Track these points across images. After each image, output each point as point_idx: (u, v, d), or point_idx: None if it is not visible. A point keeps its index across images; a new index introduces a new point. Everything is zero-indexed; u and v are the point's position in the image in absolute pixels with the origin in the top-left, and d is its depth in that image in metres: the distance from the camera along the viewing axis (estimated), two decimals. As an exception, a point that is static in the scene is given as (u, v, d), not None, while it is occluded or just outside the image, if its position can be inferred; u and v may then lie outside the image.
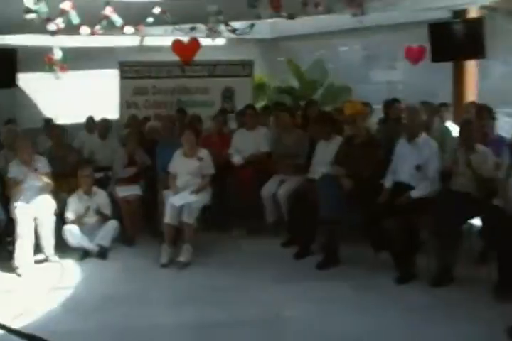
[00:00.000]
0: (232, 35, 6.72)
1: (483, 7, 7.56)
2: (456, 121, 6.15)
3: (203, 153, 5.52)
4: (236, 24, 6.50)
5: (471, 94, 7.56)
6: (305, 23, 7.99)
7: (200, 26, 6.45)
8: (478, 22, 7.36)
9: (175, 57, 7.43)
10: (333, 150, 5.20)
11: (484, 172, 4.42)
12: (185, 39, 7.23)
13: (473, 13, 7.69)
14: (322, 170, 5.17)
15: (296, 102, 8.83)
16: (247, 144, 6.11)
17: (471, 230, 4.66)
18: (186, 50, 7.33)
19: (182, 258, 5.02)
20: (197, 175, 5.46)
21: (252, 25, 6.55)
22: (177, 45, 7.29)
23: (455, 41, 7.36)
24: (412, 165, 4.64)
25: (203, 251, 5.23)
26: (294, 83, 9.57)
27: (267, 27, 9.35)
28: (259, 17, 5.85)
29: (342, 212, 4.72)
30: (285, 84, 9.58)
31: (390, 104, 5.89)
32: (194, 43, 7.25)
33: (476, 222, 4.58)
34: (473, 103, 6.31)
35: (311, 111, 6.52)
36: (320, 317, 3.87)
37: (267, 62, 10.06)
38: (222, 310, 4.03)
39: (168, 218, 5.16)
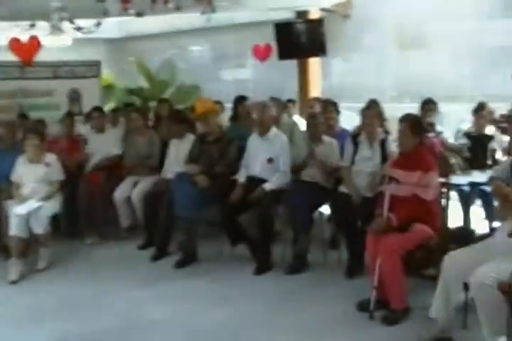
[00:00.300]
0: (79, 34, 6.46)
1: (323, 9, 8.12)
2: (302, 116, 6.51)
3: (50, 158, 5.25)
4: (82, 22, 6.27)
5: (315, 90, 8.05)
6: (154, 22, 7.98)
7: (42, 23, 6.11)
8: (318, 22, 7.87)
9: (13, 57, 6.98)
10: (186, 149, 5.23)
11: (332, 161, 4.77)
12: (24, 37, 6.81)
13: (314, 15, 8.21)
14: (176, 169, 5.18)
15: (145, 103, 8.76)
16: (97, 148, 5.94)
17: (322, 217, 4.94)
18: (26, 50, 6.90)
19: (40, 266, 4.88)
20: (44, 181, 5.18)
21: (99, 24, 6.36)
22: (15, 43, 6.83)
23: (299, 40, 7.81)
24: (264, 158, 4.82)
25: (56, 261, 5.00)
26: (144, 84, 9.48)
27: (115, 26, 9.17)
28: (106, 13, 5.66)
29: (198, 210, 4.77)
30: (134, 85, 9.45)
31: (239, 102, 6.05)
32: (34, 42, 6.82)
33: (326, 209, 4.89)
34: (317, 98, 6.70)
35: (163, 109, 6.52)
36: (182, 315, 3.87)
37: (115, 63, 9.87)
38: (81, 322, 3.86)
39: (14, 230, 4.84)
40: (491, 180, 4.00)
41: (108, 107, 7.59)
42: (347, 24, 8.21)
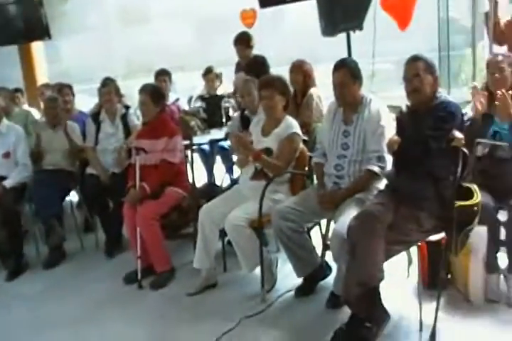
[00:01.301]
0: None
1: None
2: (31, 106, 6.34)
3: None
4: None
5: (42, 77, 7.75)
6: None
7: None
8: (36, 3, 7.49)
9: None
10: None
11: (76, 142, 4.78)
12: None
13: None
14: None
15: None
16: None
17: (72, 203, 4.91)
18: None
19: None
20: None
21: None
22: None
23: (15, 24, 7.34)
24: (-1, 154, 4.58)
25: None
26: None
27: None
28: None
29: None
30: None
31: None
32: None
33: (73, 194, 4.87)
34: (46, 84, 6.48)
35: None
36: None
37: None
38: None
39: None
40: (227, 136, 4.49)
41: None
42: (68, 4, 8.05)
